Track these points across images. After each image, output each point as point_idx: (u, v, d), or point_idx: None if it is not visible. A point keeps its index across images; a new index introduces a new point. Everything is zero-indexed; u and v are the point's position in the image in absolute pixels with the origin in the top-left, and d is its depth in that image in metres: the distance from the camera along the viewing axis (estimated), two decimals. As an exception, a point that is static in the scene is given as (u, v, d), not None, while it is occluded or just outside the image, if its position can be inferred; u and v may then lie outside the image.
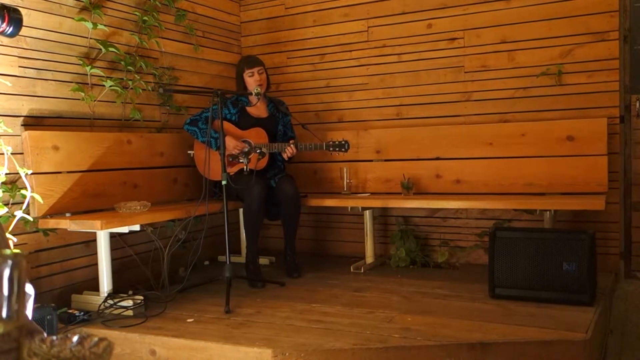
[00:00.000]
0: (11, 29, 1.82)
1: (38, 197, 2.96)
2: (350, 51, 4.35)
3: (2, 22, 1.74)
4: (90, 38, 3.42)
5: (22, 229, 2.96)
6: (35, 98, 3.14)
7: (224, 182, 3.16)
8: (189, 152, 3.87)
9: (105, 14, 3.48)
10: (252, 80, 3.75)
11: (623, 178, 3.63)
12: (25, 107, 3.09)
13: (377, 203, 3.88)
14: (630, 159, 3.62)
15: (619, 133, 3.60)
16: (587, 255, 2.84)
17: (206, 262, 4.19)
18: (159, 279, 3.48)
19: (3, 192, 2.85)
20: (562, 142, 3.64)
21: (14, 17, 1.78)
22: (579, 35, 3.66)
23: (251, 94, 3.67)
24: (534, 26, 3.77)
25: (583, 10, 3.64)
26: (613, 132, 3.59)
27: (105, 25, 3.43)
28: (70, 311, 2.92)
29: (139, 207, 3.24)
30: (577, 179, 3.59)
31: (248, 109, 3.84)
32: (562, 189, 3.62)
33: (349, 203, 3.83)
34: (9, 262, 0.62)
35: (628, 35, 3.59)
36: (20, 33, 2.99)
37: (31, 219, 2.96)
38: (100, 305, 2.99)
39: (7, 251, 0.63)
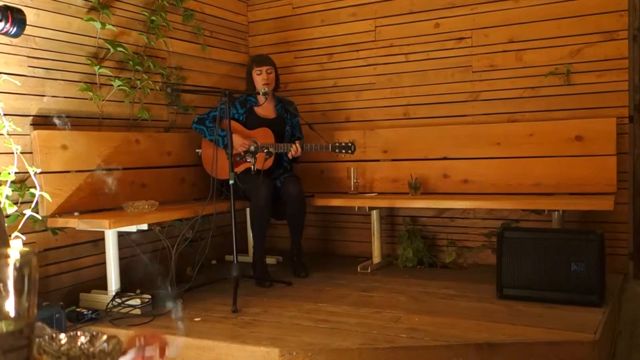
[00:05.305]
0: (15, 29, 1.83)
1: (47, 196, 2.97)
2: (358, 51, 4.35)
3: (6, 23, 1.75)
4: (99, 38, 3.43)
5: (31, 227, 2.98)
6: (45, 98, 3.15)
7: (231, 182, 3.17)
8: (197, 150, 3.88)
9: (113, 14, 3.50)
10: (260, 79, 3.75)
11: (632, 178, 3.61)
12: (35, 106, 3.10)
13: (385, 203, 3.88)
14: (640, 159, 3.60)
15: (628, 133, 3.58)
16: (596, 255, 2.83)
17: (213, 262, 4.19)
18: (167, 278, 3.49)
19: (12, 190, 2.87)
20: (571, 142, 3.62)
21: (18, 18, 1.79)
22: (588, 34, 3.64)
23: (259, 93, 3.67)
24: (542, 25, 3.75)
25: (592, 9, 3.62)
26: (622, 132, 3.56)
27: (113, 25, 3.44)
28: (78, 310, 2.94)
29: (146, 207, 3.25)
30: (585, 179, 3.57)
31: (256, 109, 3.84)
32: (570, 189, 3.60)
33: (356, 203, 3.83)
34: (19, 260, 0.62)
35: (637, 35, 3.57)
36: (30, 33, 3.03)
37: (40, 218, 2.98)
38: (108, 304, 3.00)
39: (18, 249, 0.64)
